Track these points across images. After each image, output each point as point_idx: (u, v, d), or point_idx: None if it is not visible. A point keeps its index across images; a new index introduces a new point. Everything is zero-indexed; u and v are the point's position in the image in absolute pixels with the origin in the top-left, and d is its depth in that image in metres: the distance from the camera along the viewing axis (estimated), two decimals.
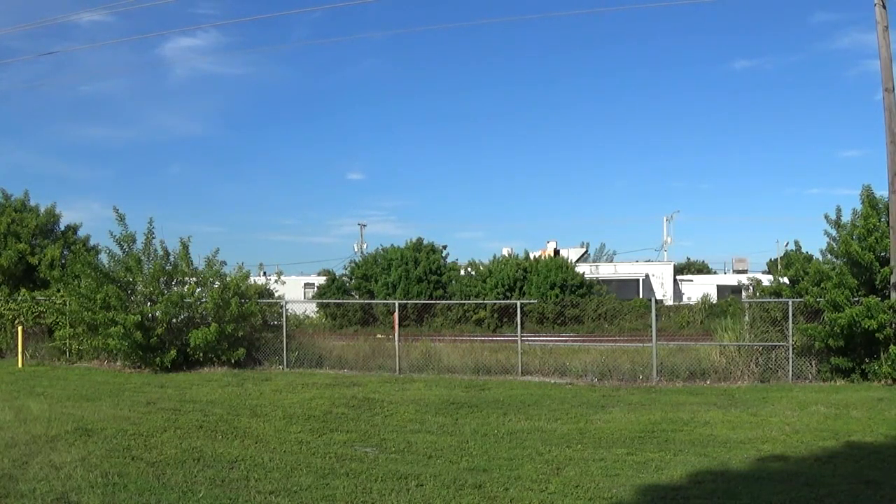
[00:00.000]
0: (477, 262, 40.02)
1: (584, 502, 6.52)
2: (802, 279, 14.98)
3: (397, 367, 16.23)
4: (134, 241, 17.54)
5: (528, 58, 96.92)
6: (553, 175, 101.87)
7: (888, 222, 14.13)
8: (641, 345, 16.64)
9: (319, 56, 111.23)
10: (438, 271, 38.74)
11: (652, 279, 46.28)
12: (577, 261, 45.50)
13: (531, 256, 40.31)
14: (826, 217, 15.66)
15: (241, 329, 17.12)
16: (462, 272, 40.07)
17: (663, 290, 46.08)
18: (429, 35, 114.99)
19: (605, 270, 47.66)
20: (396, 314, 19.58)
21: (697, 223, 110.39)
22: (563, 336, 27.57)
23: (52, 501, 6.45)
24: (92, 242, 23.76)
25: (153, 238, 17.59)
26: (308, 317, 31.61)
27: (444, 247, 40.21)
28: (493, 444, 8.86)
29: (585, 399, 12.50)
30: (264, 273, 45.44)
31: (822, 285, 14.09)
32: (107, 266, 17.55)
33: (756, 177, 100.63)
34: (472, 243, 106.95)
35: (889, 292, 13.84)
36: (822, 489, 6.73)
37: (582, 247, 56.17)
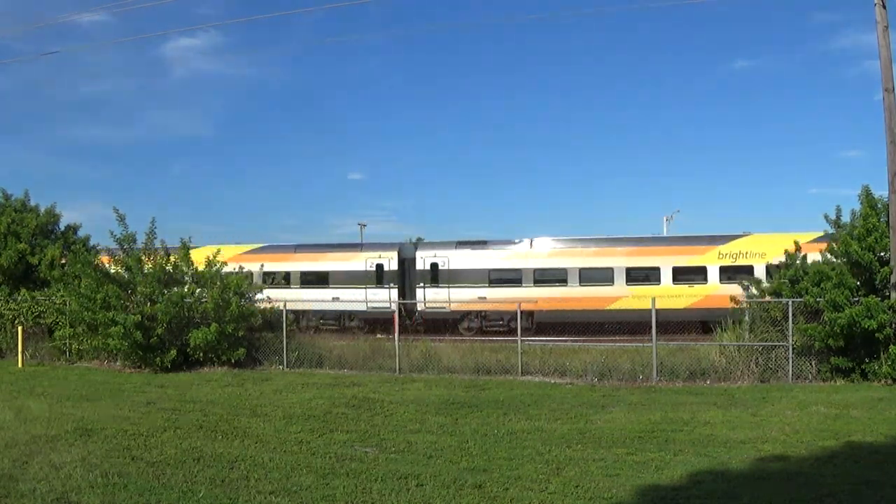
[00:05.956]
0: None
1: (584, 502, 6.53)
2: (802, 279, 14.97)
3: (397, 367, 16.22)
4: (134, 241, 17.56)
5: (528, 58, 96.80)
6: (553, 174, 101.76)
7: (888, 222, 14.13)
8: (641, 345, 16.60)
9: (319, 56, 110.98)
10: None
11: None
12: None
13: None
14: (826, 217, 15.65)
15: (241, 329, 17.12)
16: None
17: None
18: (429, 35, 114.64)
19: None
20: (396, 314, 19.58)
21: (697, 223, 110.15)
22: (563, 336, 27.51)
23: (52, 501, 6.45)
24: (92, 242, 23.74)
25: (154, 238, 17.61)
26: None
27: None
28: (493, 444, 8.86)
29: (585, 399, 12.50)
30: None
31: (822, 285, 14.08)
32: (107, 266, 17.57)
33: (756, 177, 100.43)
34: None
35: (889, 292, 13.83)
36: (822, 489, 6.74)
37: None
